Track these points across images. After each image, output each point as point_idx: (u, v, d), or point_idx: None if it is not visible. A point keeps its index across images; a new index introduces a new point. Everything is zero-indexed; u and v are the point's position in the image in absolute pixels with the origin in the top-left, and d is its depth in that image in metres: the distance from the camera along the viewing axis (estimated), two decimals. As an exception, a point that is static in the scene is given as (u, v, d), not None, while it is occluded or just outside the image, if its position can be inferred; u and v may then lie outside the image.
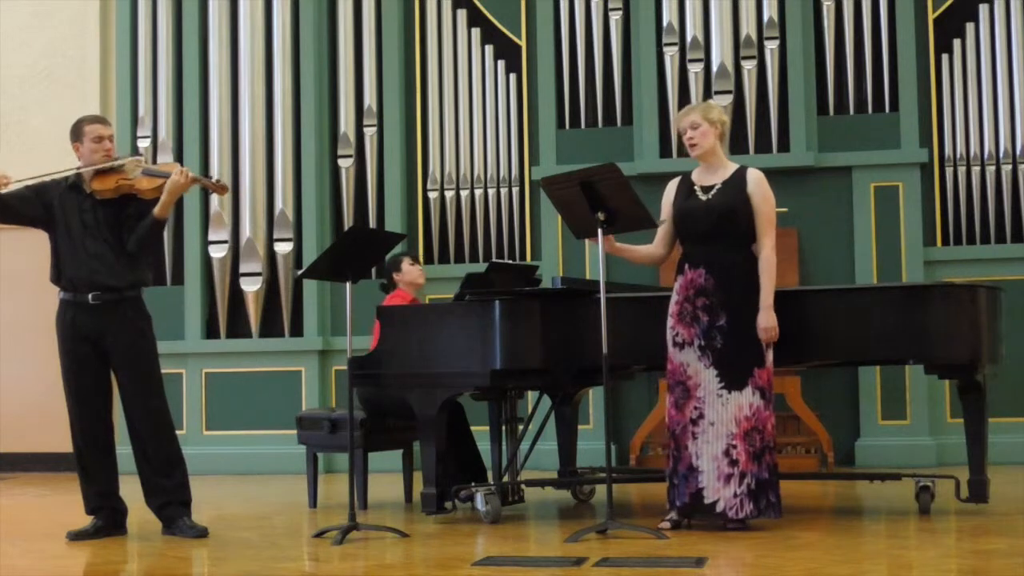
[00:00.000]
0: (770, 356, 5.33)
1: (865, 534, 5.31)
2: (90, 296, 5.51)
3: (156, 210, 5.53)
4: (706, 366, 5.30)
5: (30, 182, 5.65)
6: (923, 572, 4.31)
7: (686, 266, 5.40)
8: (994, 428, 6.17)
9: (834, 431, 8.13)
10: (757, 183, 5.39)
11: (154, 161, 9.13)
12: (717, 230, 5.34)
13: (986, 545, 4.86)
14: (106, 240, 5.57)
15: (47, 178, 5.66)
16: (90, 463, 5.59)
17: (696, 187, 5.46)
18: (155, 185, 5.55)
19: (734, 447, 5.24)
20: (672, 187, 5.55)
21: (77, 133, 5.65)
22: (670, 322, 5.42)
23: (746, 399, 5.26)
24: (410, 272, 6.85)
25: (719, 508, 5.25)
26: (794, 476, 7.27)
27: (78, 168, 5.65)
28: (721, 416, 5.27)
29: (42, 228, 5.69)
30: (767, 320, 5.27)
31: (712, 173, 5.46)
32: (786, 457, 7.93)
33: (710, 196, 5.40)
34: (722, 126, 5.46)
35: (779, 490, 5.31)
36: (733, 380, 5.27)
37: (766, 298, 5.28)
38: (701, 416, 5.30)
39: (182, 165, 5.90)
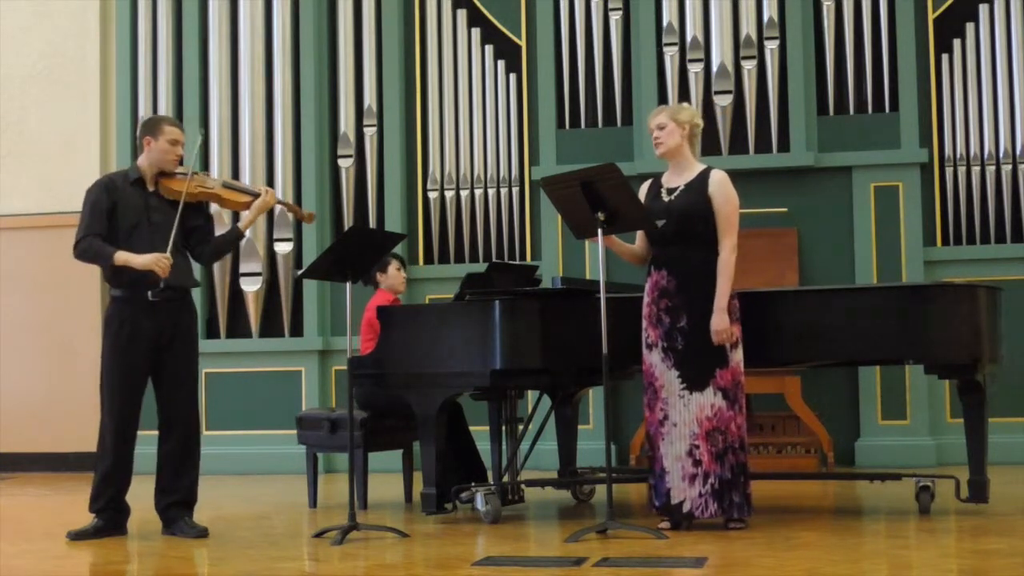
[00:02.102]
0: (737, 356, 5.33)
1: (865, 534, 5.31)
2: (150, 294, 5.55)
3: (242, 225, 5.87)
4: (669, 367, 5.34)
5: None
6: (923, 572, 4.31)
7: (652, 268, 5.45)
8: (994, 428, 6.17)
9: (834, 431, 8.14)
10: (718, 184, 5.40)
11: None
12: (678, 232, 5.37)
13: (986, 545, 4.86)
14: (172, 241, 5.61)
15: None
16: (114, 463, 5.58)
17: (663, 188, 5.49)
18: (244, 200, 5.83)
19: (697, 447, 5.28)
20: (643, 188, 5.58)
21: (154, 130, 5.65)
22: (643, 324, 5.45)
23: (707, 399, 5.28)
24: (395, 276, 6.93)
25: (686, 508, 5.29)
26: (794, 476, 7.29)
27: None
28: (683, 417, 5.30)
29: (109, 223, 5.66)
30: (719, 323, 5.27)
31: (679, 175, 5.49)
32: (786, 457, 7.94)
33: (673, 198, 5.43)
34: (691, 128, 5.48)
35: (747, 489, 5.31)
36: (694, 381, 5.29)
37: (719, 300, 5.28)
38: (666, 417, 5.34)
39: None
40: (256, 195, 5.83)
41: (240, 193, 5.86)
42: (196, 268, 9.07)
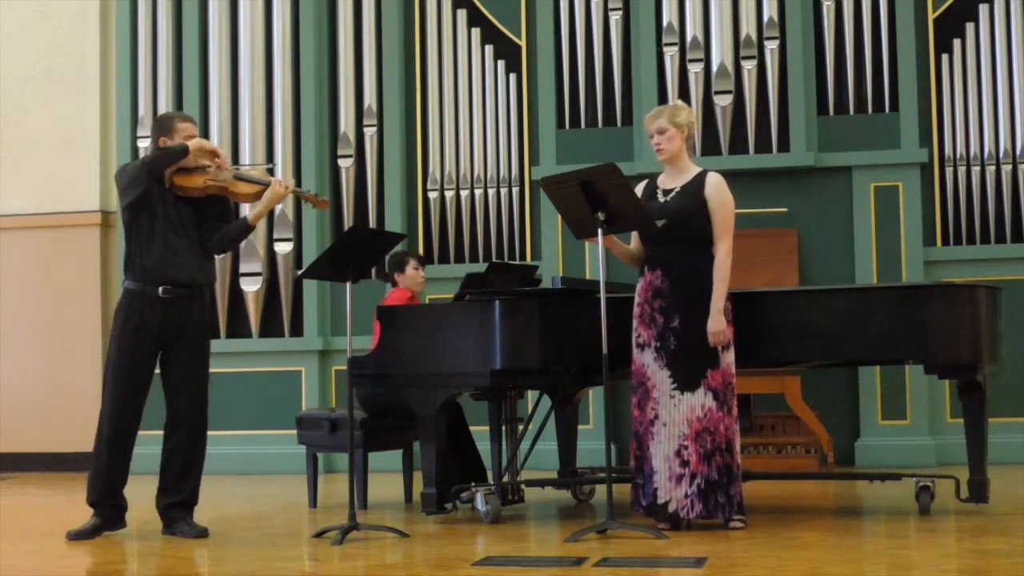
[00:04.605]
0: (728, 357, 5.34)
1: (865, 534, 5.31)
2: (160, 289, 5.54)
3: (250, 217, 5.73)
4: (660, 367, 5.35)
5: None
6: (923, 572, 4.32)
7: (645, 268, 5.47)
8: (994, 428, 6.17)
9: (834, 431, 8.13)
10: (715, 187, 5.41)
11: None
12: (672, 233, 5.38)
13: (986, 545, 4.86)
14: (188, 236, 5.63)
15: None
16: (112, 455, 5.56)
17: (659, 189, 5.51)
18: (254, 191, 5.74)
19: (685, 448, 5.28)
20: (639, 189, 5.58)
21: (167, 128, 5.66)
22: (634, 323, 5.46)
23: (698, 400, 5.29)
24: (413, 276, 6.88)
25: (671, 508, 5.29)
26: (794, 476, 7.29)
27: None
28: (673, 417, 5.31)
29: (131, 211, 5.61)
30: (715, 324, 5.28)
31: (675, 176, 5.50)
32: (786, 457, 7.95)
33: (668, 199, 5.44)
34: (689, 128, 5.50)
35: (732, 490, 5.30)
36: (685, 381, 5.30)
37: (716, 302, 5.29)
38: (656, 417, 5.35)
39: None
40: (266, 185, 5.72)
41: (250, 184, 5.76)
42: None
